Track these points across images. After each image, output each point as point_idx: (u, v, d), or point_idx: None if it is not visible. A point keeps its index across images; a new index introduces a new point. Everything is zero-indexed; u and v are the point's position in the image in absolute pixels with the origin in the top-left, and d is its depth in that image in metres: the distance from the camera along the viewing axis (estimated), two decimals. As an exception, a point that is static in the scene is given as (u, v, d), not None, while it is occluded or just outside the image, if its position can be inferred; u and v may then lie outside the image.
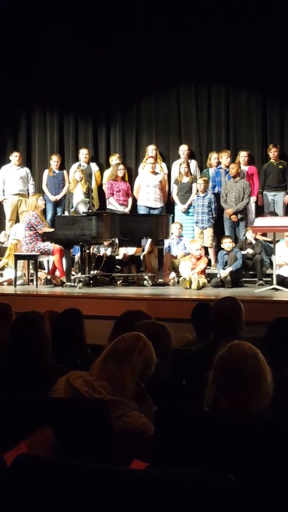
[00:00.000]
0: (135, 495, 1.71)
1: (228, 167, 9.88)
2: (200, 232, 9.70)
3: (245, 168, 9.96)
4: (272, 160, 9.81)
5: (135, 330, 3.05)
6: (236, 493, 1.68)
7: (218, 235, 9.65)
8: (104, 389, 2.62)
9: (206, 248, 9.67)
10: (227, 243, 8.75)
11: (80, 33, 10.72)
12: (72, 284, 8.43)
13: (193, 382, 3.10)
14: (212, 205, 9.66)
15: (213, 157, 10.12)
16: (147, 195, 9.88)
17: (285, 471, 2.14)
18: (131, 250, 9.59)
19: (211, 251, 9.65)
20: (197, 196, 9.72)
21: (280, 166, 9.77)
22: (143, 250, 9.27)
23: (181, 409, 2.59)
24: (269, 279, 8.47)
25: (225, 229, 9.68)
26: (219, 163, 10.04)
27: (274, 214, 9.39)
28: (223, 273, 8.54)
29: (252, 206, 9.91)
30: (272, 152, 9.80)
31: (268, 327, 3.53)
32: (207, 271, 9.08)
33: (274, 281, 7.89)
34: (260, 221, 8.53)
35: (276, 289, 7.77)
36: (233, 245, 8.80)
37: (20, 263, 9.04)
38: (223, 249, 8.87)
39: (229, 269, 8.51)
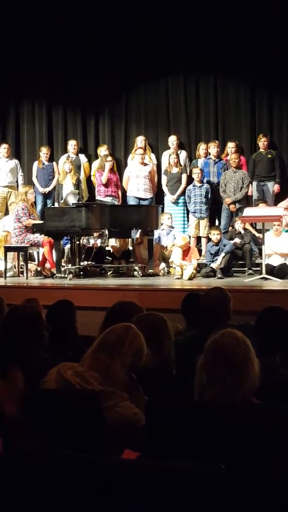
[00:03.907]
0: (127, 485, 1.73)
1: (217, 157, 9.90)
2: (196, 222, 9.67)
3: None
4: (261, 149, 9.81)
5: (134, 324, 3.06)
6: (226, 482, 1.70)
7: (210, 225, 9.64)
8: (95, 380, 2.63)
9: (199, 238, 9.67)
10: (215, 235, 8.72)
11: (70, 24, 10.65)
12: (63, 275, 8.42)
13: (182, 370, 3.11)
14: (208, 195, 9.66)
15: (201, 147, 10.09)
16: (137, 185, 9.86)
17: (274, 459, 2.17)
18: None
19: (205, 241, 9.61)
20: (193, 185, 9.67)
21: (269, 156, 9.76)
22: (133, 241, 9.27)
23: (172, 399, 2.61)
24: (258, 268, 8.51)
25: (221, 219, 9.65)
26: (208, 153, 10.03)
27: (265, 203, 9.39)
28: (218, 260, 8.52)
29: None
30: (262, 142, 9.78)
31: (257, 317, 3.55)
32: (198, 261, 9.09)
33: (263, 271, 7.92)
34: (248, 211, 8.56)
35: (266, 279, 7.81)
36: (221, 236, 8.77)
37: (10, 255, 9.02)
38: (210, 240, 8.86)
39: (222, 255, 8.51)
